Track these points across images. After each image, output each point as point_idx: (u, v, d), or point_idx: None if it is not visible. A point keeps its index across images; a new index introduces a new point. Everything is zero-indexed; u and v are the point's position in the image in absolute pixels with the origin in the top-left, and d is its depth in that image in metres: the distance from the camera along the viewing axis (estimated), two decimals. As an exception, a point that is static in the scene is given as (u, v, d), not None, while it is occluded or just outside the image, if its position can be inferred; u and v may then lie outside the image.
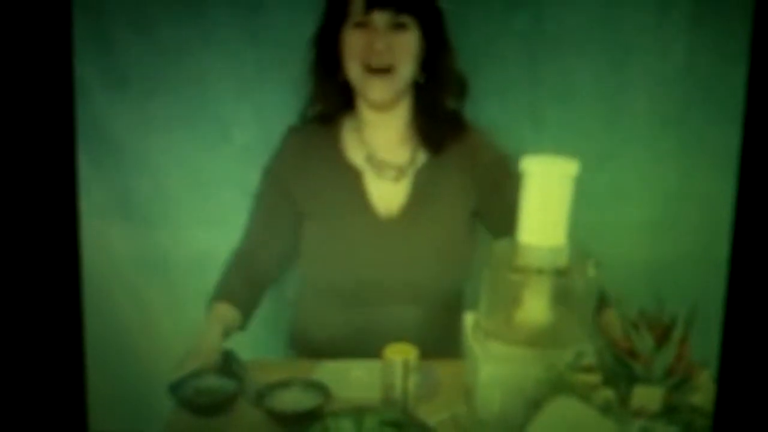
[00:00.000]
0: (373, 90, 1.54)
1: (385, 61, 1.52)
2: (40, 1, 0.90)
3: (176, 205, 1.87)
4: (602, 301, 1.36)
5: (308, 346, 1.69)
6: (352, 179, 1.62)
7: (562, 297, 1.28)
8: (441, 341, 1.54)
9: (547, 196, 1.26)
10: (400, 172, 1.61)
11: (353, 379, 1.45)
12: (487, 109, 1.73)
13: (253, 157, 1.71)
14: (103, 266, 1.85)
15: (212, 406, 1.34)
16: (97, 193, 1.84)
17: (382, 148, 1.62)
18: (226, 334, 1.51)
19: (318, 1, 1.60)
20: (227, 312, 1.56)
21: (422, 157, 1.62)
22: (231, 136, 1.84)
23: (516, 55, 1.77)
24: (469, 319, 1.38)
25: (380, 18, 1.51)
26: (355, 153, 1.63)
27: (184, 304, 1.84)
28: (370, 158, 1.62)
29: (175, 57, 1.80)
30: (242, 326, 1.59)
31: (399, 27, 1.52)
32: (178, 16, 1.79)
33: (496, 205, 1.59)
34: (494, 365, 1.25)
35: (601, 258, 1.28)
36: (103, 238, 1.86)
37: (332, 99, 1.62)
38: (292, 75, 1.65)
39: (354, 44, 1.53)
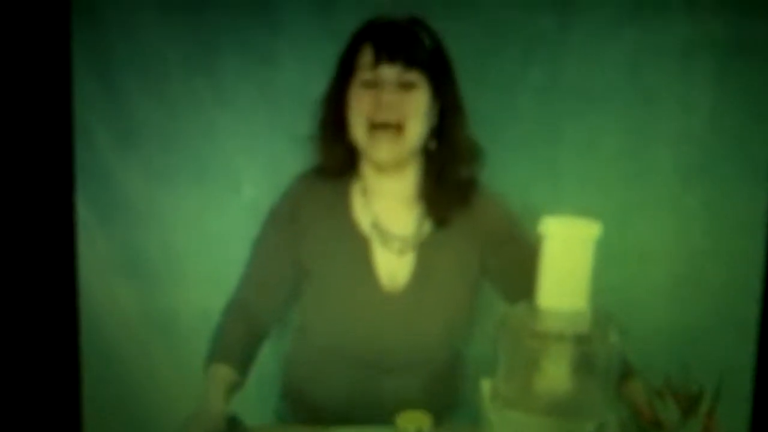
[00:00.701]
0: (378, 148, 1.52)
1: (391, 117, 1.51)
2: (41, 50, 0.91)
3: (183, 262, 1.87)
4: (625, 369, 1.33)
5: (303, 403, 1.67)
6: (359, 246, 1.60)
7: (583, 364, 1.25)
8: (444, 405, 1.55)
9: (567, 260, 1.24)
10: (405, 244, 1.59)
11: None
12: (504, 166, 1.71)
13: (263, 214, 1.69)
14: (107, 323, 1.85)
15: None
16: (102, 249, 1.84)
17: (387, 216, 1.61)
18: (228, 396, 1.50)
19: (330, 54, 1.59)
20: (227, 373, 1.55)
21: (428, 226, 1.60)
22: (240, 192, 1.84)
23: (534, 110, 1.77)
24: (485, 385, 1.35)
25: (389, 73, 1.50)
26: (361, 216, 1.61)
27: (191, 362, 1.80)
28: (376, 226, 1.60)
29: (184, 111, 1.81)
30: (241, 385, 1.58)
31: (408, 86, 1.52)
32: (188, 70, 1.80)
33: (508, 271, 1.58)
34: (512, 435, 1.23)
35: (624, 322, 1.25)
36: (108, 294, 1.85)
37: (338, 161, 1.60)
38: (304, 130, 1.65)
39: (360, 101, 1.52)
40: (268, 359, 1.76)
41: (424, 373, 1.61)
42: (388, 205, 1.61)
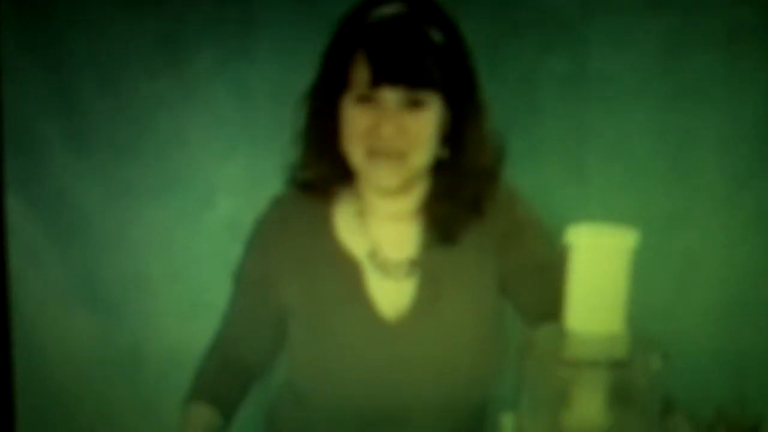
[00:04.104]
0: (378, 176, 1.45)
1: (394, 147, 1.42)
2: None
3: (148, 288, 1.87)
4: (669, 401, 1.31)
5: None
6: (349, 274, 1.53)
7: (620, 395, 1.22)
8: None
9: (600, 274, 1.22)
10: (411, 266, 1.53)
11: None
12: (525, 168, 1.65)
13: (240, 230, 1.65)
14: (62, 362, 1.84)
15: None
16: (57, 274, 1.83)
17: (389, 243, 1.54)
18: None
19: (316, 46, 1.49)
20: (207, 413, 1.52)
21: (433, 242, 1.53)
22: (214, 205, 1.83)
23: (557, 105, 1.76)
24: (507, 421, 1.33)
25: (391, 96, 1.40)
26: (354, 243, 1.54)
27: (157, 407, 1.80)
28: (374, 255, 1.53)
29: (148, 114, 1.81)
30: (224, 427, 1.55)
31: (414, 105, 1.42)
32: (153, 67, 1.79)
33: (531, 287, 1.53)
34: (538, 480, 1.21)
35: (667, 347, 1.24)
36: (63, 327, 1.85)
37: (326, 171, 1.52)
38: (285, 134, 1.62)
39: (356, 123, 1.42)
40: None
41: (444, 425, 1.55)
42: (387, 227, 1.54)
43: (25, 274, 1.82)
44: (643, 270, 1.23)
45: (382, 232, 1.54)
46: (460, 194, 1.50)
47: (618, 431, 1.23)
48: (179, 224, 1.84)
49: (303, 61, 1.52)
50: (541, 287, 1.46)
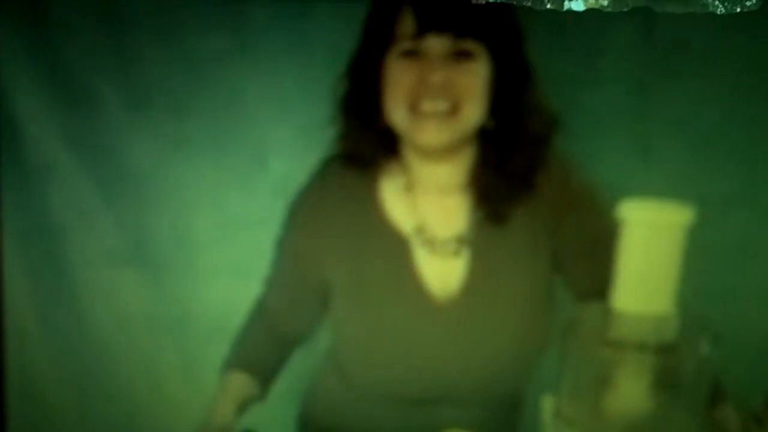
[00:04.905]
0: (424, 132, 1.43)
1: (442, 99, 1.41)
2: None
3: (198, 250, 1.88)
4: (720, 389, 1.28)
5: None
6: (397, 250, 1.52)
7: (666, 380, 1.21)
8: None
9: (651, 252, 1.20)
10: (460, 243, 1.52)
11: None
12: (581, 142, 1.63)
13: (292, 193, 1.68)
14: (108, 320, 1.86)
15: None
16: (106, 231, 1.86)
17: (437, 219, 1.53)
18: (242, 407, 1.50)
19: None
20: (243, 382, 1.54)
21: (483, 218, 1.52)
22: (267, 167, 1.83)
23: (619, 72, 1.72)
24: (547, 403, 1.31)
25: (436, 44, 1.40)
26: (401, 218, 1.53)
27: (205, 370, 1.81)
28: (421, 231, 1.52)
29: (204, 69, 1.81)
30: (261, 397, 1.57)
31: (462, 55, 1.42)
32: (208, 23, 1.79)
33: (584, 264, 1.50)
34: (576, 465, 1.20)
35: (719, 330, 1.21)
36: (110, 285, 1.87)
37: (370, 141, 1.52)
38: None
39: (401, 77, 1.42)
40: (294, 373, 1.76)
41: (487, 405, 1.56)
42: (435, 202, 1.53)
43: (74, 231, 1.85)
44: (701, 250, 1.20)
45: (429, 208, 1.52)
46: (509, 165, 1.49)
47: (661, 417, 1.21)
48: (231, 185, 1.85)
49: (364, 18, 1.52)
50: (595, 264, 1.42)
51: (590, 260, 1.45)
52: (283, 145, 1.82)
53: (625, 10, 1.47)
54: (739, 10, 1.45)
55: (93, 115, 1.82)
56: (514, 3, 1.41)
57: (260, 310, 1.64)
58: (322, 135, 1.70)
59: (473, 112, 1.43)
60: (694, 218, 1.17)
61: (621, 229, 1.20)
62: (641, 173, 1.72)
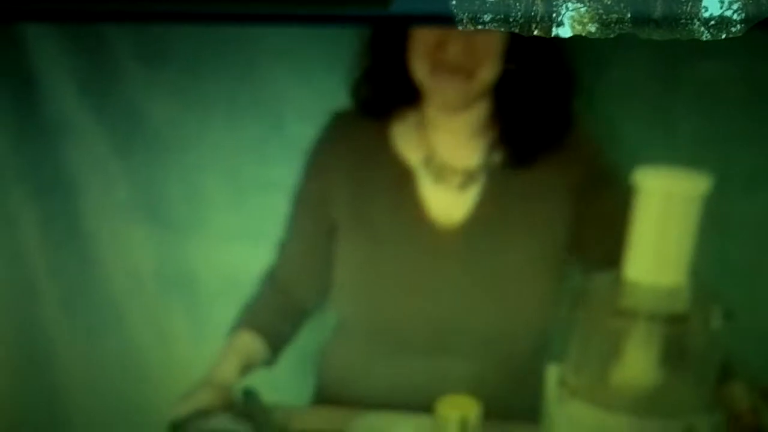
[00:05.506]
0: (443, 93, 1.47)
1: (461, 63, 1.43)
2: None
3: (210, 211, 1.87)
4: (731, 367, 1.27)
5: (340, 396, 1.63)
6: (400, 181, 1.54)
7: (675, 352, 1.19)
8: (512, 399, 1.47)
9: (665, 221, 1.18)
10: (469, 177, 1.53)
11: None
12: (606, 116, 1.64)
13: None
14: (118, 274, 1.86)
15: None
16: (119, 186, 1.86)
17: (447, 150, 1.55)
18: (247, 368, 1.49)
19: None
20: (251, 342, 1.54)
21: (498, 157, 1.53)
22: (282, 130, 1.81)
23: (643, 47, 1.70)
24: (552, 373, 1.30)
25: None
26: (410, 151, 1.56)
27: (212, 331, 1.81)
28: (429, 161, 1.54)
29: (223, 30, 1.80)
30: (269, 361, 1.56)
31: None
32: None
33: (600, 240, 1.49)
34: (579, 435, 1.18)
35: (732, 305, 1.19)
36: (122, 241, 1.87)
37: (390, 87, 1.54)
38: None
39: (424, 37, 1.45)
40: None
41: (492, 359, 1.54)
42: (449, 140, 1.55)
43: (87, 185, 1.85)
44: (724, 225, 1.18)
45: (441, 140, 1.54)
46: (524, 114, 1.50)
47: (668, 390, 1.20)
48: (246, 147, 1.83)
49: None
50: (611, 241, 1.43)
51: (607, 238, 1.44)
52: (300, 109, 1.81)
53: (612, 36, 1.44)
54: (724, 36, 1.42)
55: (109, 70, 1.81)
56: (502, 30, 1.42)
57: (273, 275, 1.64)
58: (339, 99, 1.70)
59: (488, 73, 1.46)
60: (711, 189, 1.15)
61: (636, 197, 1.19)
62: (664, 146, 1.70)
